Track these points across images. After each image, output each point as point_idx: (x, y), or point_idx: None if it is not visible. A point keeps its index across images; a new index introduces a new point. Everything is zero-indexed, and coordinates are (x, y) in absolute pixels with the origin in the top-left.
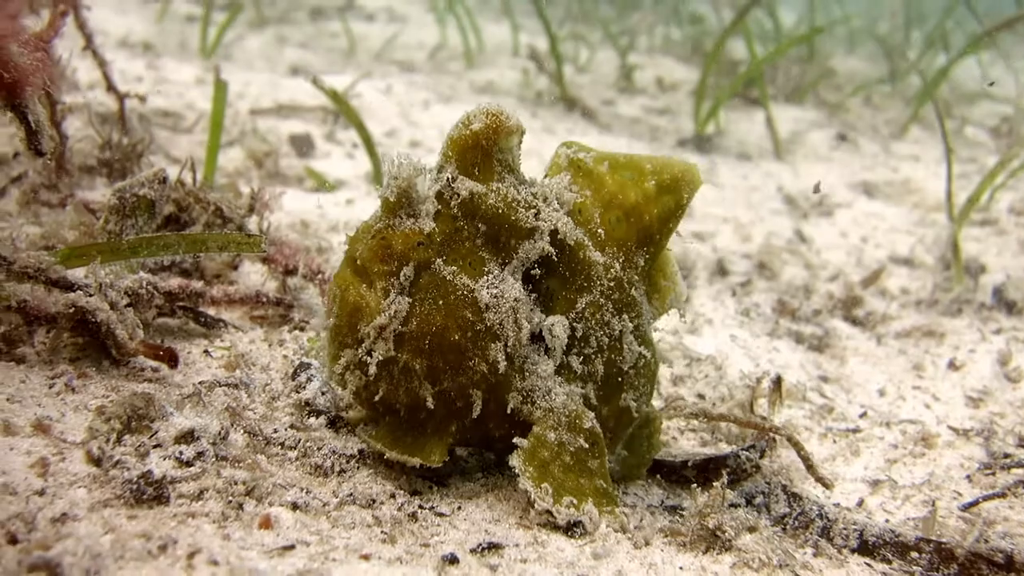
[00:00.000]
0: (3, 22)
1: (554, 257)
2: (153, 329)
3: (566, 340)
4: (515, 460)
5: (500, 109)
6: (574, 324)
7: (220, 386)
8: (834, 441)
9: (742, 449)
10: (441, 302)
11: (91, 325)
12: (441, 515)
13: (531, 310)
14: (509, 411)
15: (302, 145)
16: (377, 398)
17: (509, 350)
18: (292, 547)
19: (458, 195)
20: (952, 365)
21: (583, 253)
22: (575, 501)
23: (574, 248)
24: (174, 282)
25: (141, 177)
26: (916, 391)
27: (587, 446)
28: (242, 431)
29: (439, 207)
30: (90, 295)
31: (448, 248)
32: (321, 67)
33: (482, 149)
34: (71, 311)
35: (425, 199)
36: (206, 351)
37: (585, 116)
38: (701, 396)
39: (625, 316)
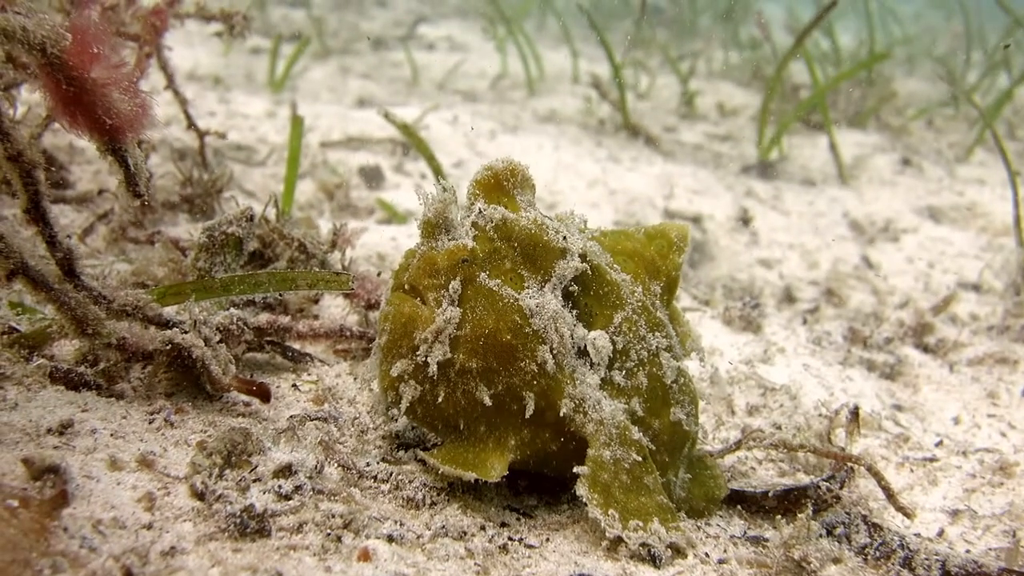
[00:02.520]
0: (107, 71)
1: (589, 273)
2: (242, 364)
3: (609, 351)
4: (581, 489)
5: (514, 160)
6: (613, 338)
7: (311, 420)
8: (911, 470)
9: (822, 479)
10: (490, 308)
11: (186, 361)
12: (531, 547)
13: (573, 325)
14: (561, 415)
15: (372, 177)
16: (439, 402)
17: (554, 352)
18: None
19: (492, 220)
20: None
21: (609, 276)
22: (641, 523)
23: (601, 270)
24: (263, 318)
25: (229, 216)
26: (991, 419)
27: (640, 459)
28: (336, 465)
29: (476, 233)
30: (185, 332)
31: (489, 265)
32: (385, 97)
33: (503, 187)
34: (168, 347)
35: (462, 227)
36: (294, 385)
37: (648, 144)
38: (777, 426)
39: (658, 333)
